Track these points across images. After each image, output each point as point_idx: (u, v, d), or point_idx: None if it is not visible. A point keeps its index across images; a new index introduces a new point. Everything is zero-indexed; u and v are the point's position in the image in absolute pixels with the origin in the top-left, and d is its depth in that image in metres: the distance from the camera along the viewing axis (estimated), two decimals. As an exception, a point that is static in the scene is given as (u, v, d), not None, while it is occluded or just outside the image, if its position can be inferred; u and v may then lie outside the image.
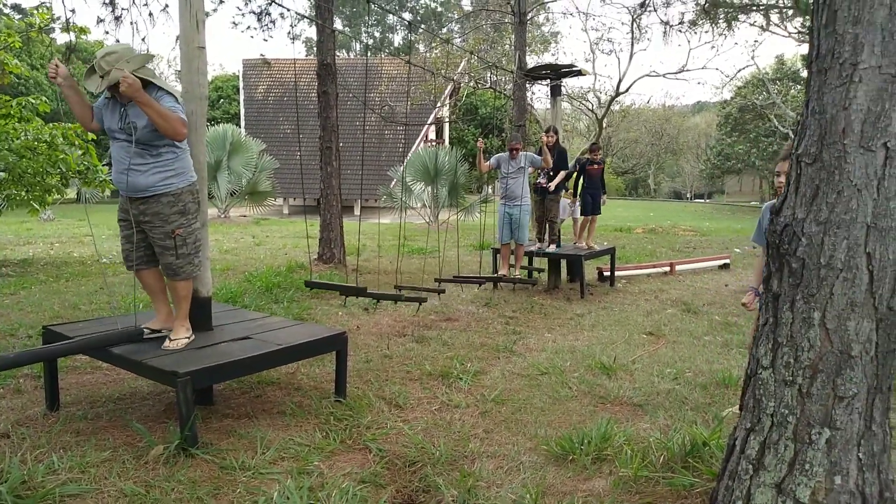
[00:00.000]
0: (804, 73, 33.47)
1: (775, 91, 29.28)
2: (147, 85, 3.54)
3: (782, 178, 3.75)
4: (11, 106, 10.42)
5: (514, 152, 8.02)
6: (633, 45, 17.80)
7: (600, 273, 9.71)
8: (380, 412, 3.96)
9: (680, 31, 14.71)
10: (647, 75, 20.35)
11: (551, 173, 8.47)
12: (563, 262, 9.10)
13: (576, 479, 2.98)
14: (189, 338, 3.76)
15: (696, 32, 16.13)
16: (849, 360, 1.95)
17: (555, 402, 4.23)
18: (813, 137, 1.99)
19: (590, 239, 9.32)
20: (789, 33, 19.45)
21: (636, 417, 3.90)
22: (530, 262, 8.94)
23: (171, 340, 3.68)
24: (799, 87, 32.95)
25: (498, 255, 8.67)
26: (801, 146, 2.04)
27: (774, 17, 17.77)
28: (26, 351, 3.60)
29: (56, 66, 3.51)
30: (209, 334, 3.93)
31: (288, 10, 9.71)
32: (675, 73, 18.54)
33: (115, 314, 6.27)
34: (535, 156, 8.19)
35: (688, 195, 58.62)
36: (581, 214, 9.33)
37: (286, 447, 3.38)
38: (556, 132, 8.49)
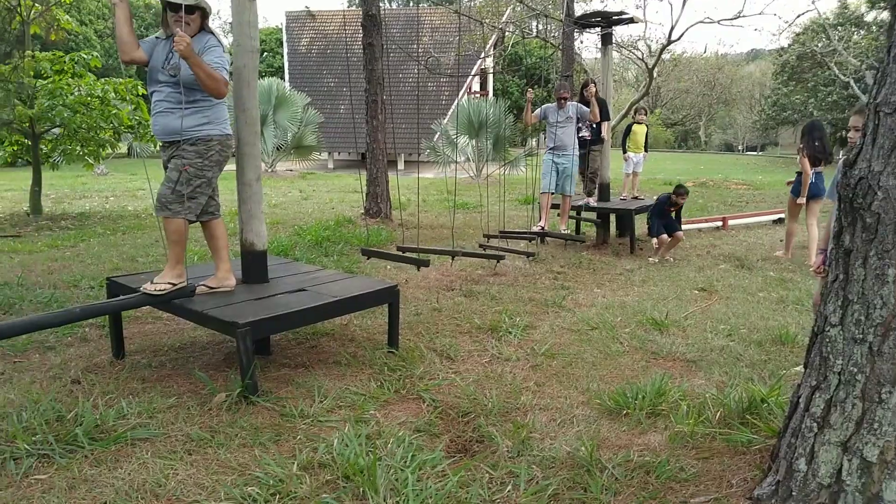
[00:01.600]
0: (868, 17, 31.79)
1: (836, 37, 27.89)
2: (202, 30, 3.66)
3: (852, 134, 3.60)
4: (65, 62, 10.62)
5: (563, 101, 7.83)
6: (686, -10, 17.07)
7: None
8: (431, 363, 4.02)
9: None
10: (701, 22, 19.59)
11: (593, 125, 8.28)
12: (613, 217, 8.98)
13: (630, 434, 2.99)
14: (174, 284, 3.68)
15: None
16: (924, 319, 1.89)
17: (606, 356, 4.22)
18: (894, 86, 1.90)
19: (634, 189, 9.22)
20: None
21: (690, 373, 3.88)
22: (578, 215, 8.80)
23: (152, 282, 3.67)
24: (863, 32, 31.32)
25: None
26: (880, 94, 1.94)
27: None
28: (94, 304, 3.74)
29: None
30: (266, 286, 4.02)
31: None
32: (731, 19, 17.78)
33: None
34: (584, 107, 8.01)
35: (739, 147, 56.91)
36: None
37: (342, 396, 3.47)
38: (593, 82, 8.28)
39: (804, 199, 7.45)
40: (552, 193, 8.10)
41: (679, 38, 19.15)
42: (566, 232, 7.98)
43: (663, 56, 19.80)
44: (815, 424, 2.09)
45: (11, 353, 4.11)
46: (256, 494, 2.48)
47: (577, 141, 8.02)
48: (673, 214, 7.73)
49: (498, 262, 6.40)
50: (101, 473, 2.65)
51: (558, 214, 8.31)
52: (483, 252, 5.85)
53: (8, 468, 2.67)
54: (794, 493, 2.12)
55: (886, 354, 1.94)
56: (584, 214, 8.62)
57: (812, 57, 32.00)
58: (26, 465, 2.68)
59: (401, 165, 23.28)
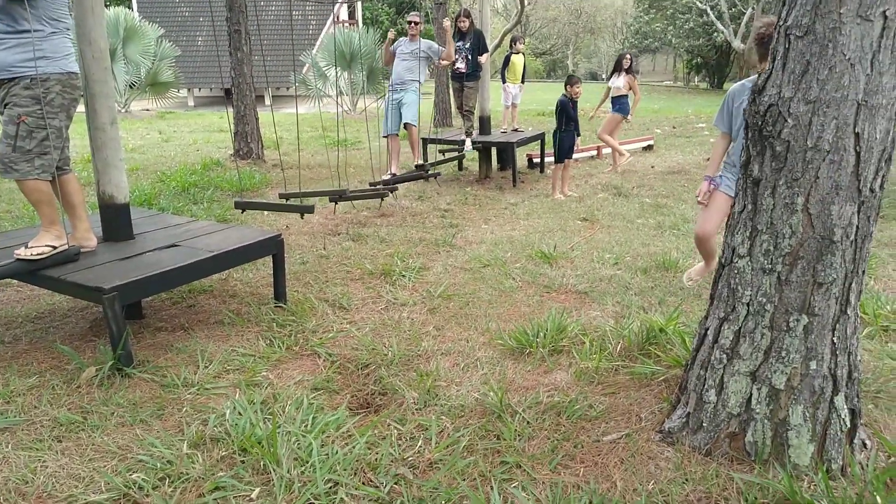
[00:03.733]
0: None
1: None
2: None
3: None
4: None
5: (412, 26, 7.20)
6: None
7: (530, 160, 9.63)
8: (324, 315, 3.82)
9: None
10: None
11: (469, 56, 7.97)
12: (494, 151, 8.93)
13: (536, 373, 2.95)
14: (53, 247, 3.25)
15: None
16: (830, 246, 1.90)
17: (501, 293, 4.18)
18: (806, 7, 1.84)
19: (514, 122, 9.19)
20: None
21: (584, 306, 3.91)
22: (461, 152, 8.60)
23: (27, 246, 3.22)
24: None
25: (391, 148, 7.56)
26: (790, 17, 1.89)
27: None
28: None
29: None
30: (131, 244, 3.60)
31: None
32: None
33: (17, 226, 5.76)
34: (436, 45, 7.52)
35: (603, 76, 58.75)
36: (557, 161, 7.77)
37: (229, 359, 3.21)
38: (467, 15, 7.94)
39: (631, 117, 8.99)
40: (395, 134, 7.48)
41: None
42: (420, 163, 7.34)
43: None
44: (724, 356, 2.10)
45: None
46: (143, 481, 2.22)
47: (420, 77, 7.36)
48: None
49: (382, 199, 6.15)
50: (-50, 475, 2.28)
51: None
52: (372, 190, 5.59)
53: None
54: (704, 424, 2.14)
55: (794, 283, 1.95)
56: (468, 149, 8.39)
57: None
58: None
59: (268, 101, 22.12)
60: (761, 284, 2.00)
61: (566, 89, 7.36)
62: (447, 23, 7.71)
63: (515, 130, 9.14)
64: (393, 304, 4.04)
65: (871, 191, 1.88)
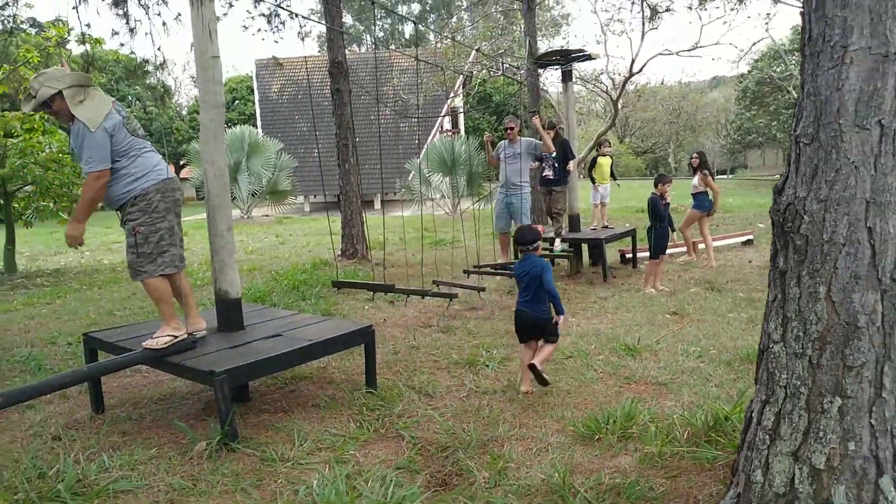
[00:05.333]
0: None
1: (792, 63, 28.82)
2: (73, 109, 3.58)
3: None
4: (35, 120, 10.71)
5: (510, 132, 7.74)
6: (644, 24, 17.68)
7: (622, 255, 9.76)
8: (410, 401, 4.09)
9: (690, 7, 14.57)
10: (661, 54, 20.14)
11: (556, 164, 8.41)
12: (585, 248, 9.16)
13: (602, 458, 3.08)
14: (174, 337, 3.73)
15: (705, 9, 15.99)
16: (856, 331, 2.03)
17: (580, 384, 4.33)
18: (809, 118, 2.07)
19: (604, 219, 9.45)
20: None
21: (661, 396, 3.99)
22: (552, 252, 8.92)
23: (152, 338, 3.71)
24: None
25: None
26: (798, 127, 2.12)
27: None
28: (99, 363, 3.77)
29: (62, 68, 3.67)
30: (242, 334, 4.08)
31: (295, 14, 9.85)
32: (688, 50, 18.34)
33: (149, 318, 6.48)
34: (535, 140, 8.01)
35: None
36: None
37: (322, 438, 3.53)
38: (552, 126, 8.42)
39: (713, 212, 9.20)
40: (506, 232, 8.05)
41: (640, 71, 19.75)
42: None
43: (628, 88, 20.32)
44: (767, 437, 2.21)
45: (-11, 415, 4.12)
46: (239, 539, 2.53)
47: (527, 177, 7.93)
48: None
49: (451, 300, 6.38)
50: (83, 528, 2.68)
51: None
52: (443, 291, 5.95)
53: (-10, 529, 2.69)
54: (753, 503, 2.22)
55: (825, 366, 2.07)
56: (557, 248, 8.72)
57: (771, 82, 32.96)
58: (8, 525, 2.71)
59: (377, 205, 23.47)
60: (795, 368, 2.13)
61: (656, 188, 7.60)
62: (537, 120, 8.25)
63: (605, 227, 9.36)
64: (475, 391, 4.27)
65: (893, 280, 2.01)
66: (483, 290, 6.30)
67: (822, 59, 2.04)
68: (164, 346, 3.67)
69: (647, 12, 17.53)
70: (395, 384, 4.38)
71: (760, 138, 37.35)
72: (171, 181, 3.86)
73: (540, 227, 6.81)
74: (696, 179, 9.04)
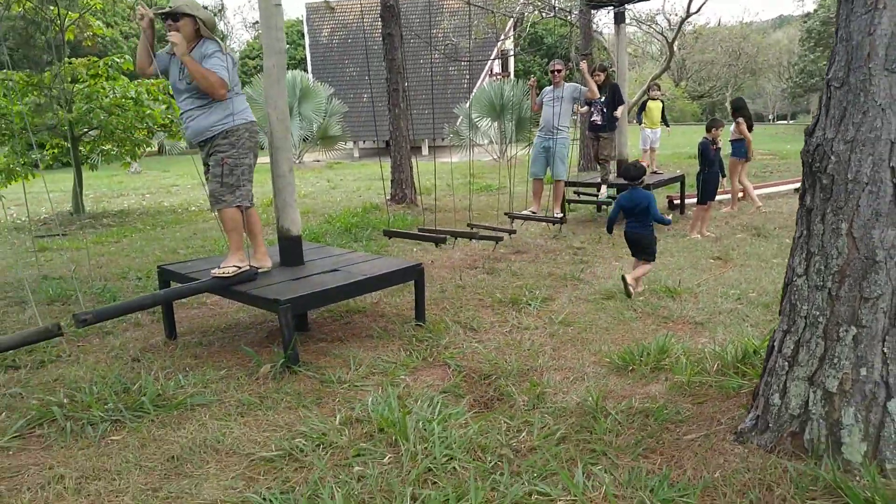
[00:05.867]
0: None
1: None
2: (202, 39, 4.01)
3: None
4: (99, 66, 11.11)
5: (555, 75, 7.60)
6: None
7: (670, 201, 9.75)
8: (456, 334, 4.35)
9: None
10: (720, -7, 19.41)
11: (604, 109, 8.34)
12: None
13: (635, 385, 3.29)
14: (239, 267, 4.04)
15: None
16: (874, 265, 2.15)
17: (619, 322, 4.51)
18: (841, 63, 2.15)
19: (653, 164, 9.42)
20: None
21: (696, 334, 4.16)
22: (598, 198, 8.94)
23: (220, 267, 4.03)
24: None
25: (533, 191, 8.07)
26: (830, 71, 2.21)
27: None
28: (173, 289, 4.13)
29: (143, 8, 4.01)
30: (302, 268, 4.38)
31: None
32: (750, -12, 17.64)
33: (210, 255, 6.88)
34: (579, 86, 7.80)
35: (769, 117, 55.97)
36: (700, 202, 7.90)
37: (375, 364, 3.83)
38: (602, 70, 8.29)
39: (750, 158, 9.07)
40: (541, 178, 7.96)
41: (698, 11, 19.08)
42: (559, 216, 7.68)
43: (684, 29, 19.72)
44: (786, 363, 2.37)
45: (74, 339, 4.54)
46: (303, 445, 2.84)
47: (567, 122, 7.79)
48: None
49: (497, 242, 6.51)
50: (167, 433, 3.04)
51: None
52: (473, 233, 6.10)
53: (87, 432, 3.07)
54: (770, 425, 2.41)
55: (843, 298, 2.21)
56: (603, 195, 8.76)
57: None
58: (102, 429, 3.08)
59: (425, 151, 23.58)
60: (815, 300, 2.27)
61: (708, 132, 7.57)
62: (584, 64, 8.17)
63: (654, 173, 9.35)
64: (517, 327, 4.50)
65: (915, 216, 2.12)
66: (514, 232, 6.43)
67: (856, 5, 2.11)
68: (231, 275, 3.98)
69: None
70: (442, 319, 4.64)
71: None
72: (255, 124, 4.21)
73: (644, 162, 6.83)
74: (732, 126, 8.93)
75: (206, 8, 4.09)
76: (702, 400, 2.99)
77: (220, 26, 44.79)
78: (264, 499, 2.46)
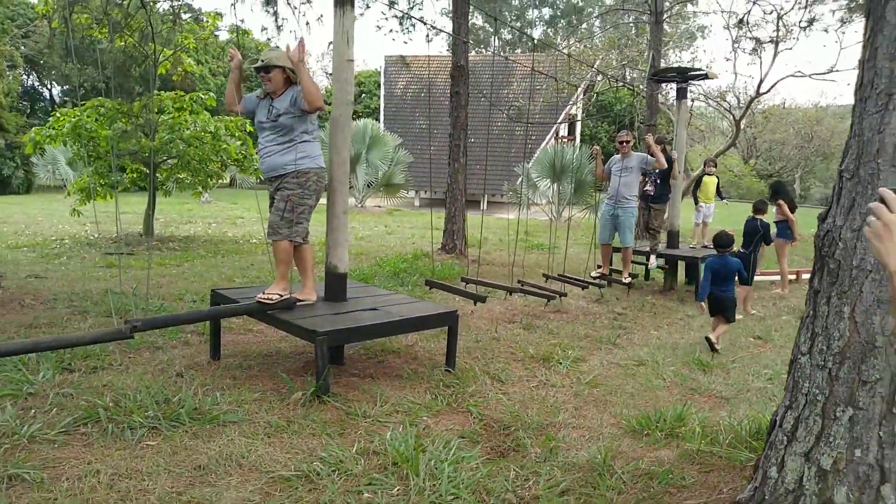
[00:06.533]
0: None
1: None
2: (293, 84, 4.41)
3: None
4: (185, 100, 11.89)
5: (623, 145, 7.85)
6: (777, 44, 17.11)
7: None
8: (483, 384, 4.48)
9: (826, 30, 14.01)
10: (792, 75, 19.41)
11: (658, 180, 8.47)
12: (682, 265, 9.19)
13: (646, 449, 3.35)
14: (281, 296, 4.32)
15: (844, 32, 15.32)
16: (873, 350, 2.22)
17: (646, 389, 4.56)
18: (852, 156, 2.28)
19: (704, 238, 9.42)
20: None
21: (718, 407, 4.17)
22: (647, 266, 8.99)
23: (264, 293, 4.31)
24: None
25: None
26: (843, 163, 2.33)
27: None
28: (220, 307, 4.44)
29: (234, 50, 4.49)
30: (344, 304, 4.61)
31: (424, 22, 10.44)
32: (822, 73, 17.60)
33: (263, 284, 7.21)
34: (648, 156, 8.00)
35: (839, 202, 54.37)
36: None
37: (400, 403, 3.98)
38: (660, 142, 8.42)
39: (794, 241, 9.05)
40: (608, 244, 8.25)
41: (768, 91, 19.08)
42: (627, 281, 8.07)
43: (754, 108, 19.71)
44: (785, 438, 2.43)
45: (127, 350, 4.85)
46: (320, 469, 3.01)
47: (635, 192, 8.04)
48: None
49: (548, 300, 6.71)
50: (198, 444, 3.26)
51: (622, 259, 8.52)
52: (528, 290, 6.28)
53: (126, 435, 3.32)
54: (766, 497, 2.45)
55: (842, 379, 2.28)
56: (652, 265, 8.84)
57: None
58: (140, 434, 3.32)
59: (484, 205, 23.93)
60: (816, 378, 2.34)
61: (755, 213, 7.64)
62: (650, 137, 8.34)
63: (705, 247, 9.34)
64: (544, 384, 4.60)
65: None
66: (565, 295, 6.57)
67: (869, 105, 2.25)
68: (273, 301, 4.25)
69: (782, 31, 16.99)
70: (472, 368, 4.78)
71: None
72: (325, 170, 4.55)
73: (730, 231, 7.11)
74: (774, 209, 8.97)
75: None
76: (708, 469, 3.03)
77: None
78: (276, 512, 2.63)
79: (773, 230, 8.53)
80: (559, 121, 24.26)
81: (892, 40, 2.15)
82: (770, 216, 8.33)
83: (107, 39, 10.82)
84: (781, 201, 8.98)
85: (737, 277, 6.20)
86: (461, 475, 2.97)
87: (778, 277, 9.63)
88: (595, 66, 19.53)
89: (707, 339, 5.75)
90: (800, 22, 15.10)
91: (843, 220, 2.30)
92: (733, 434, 3.39)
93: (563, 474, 3.05)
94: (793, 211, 8.94)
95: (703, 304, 6.52)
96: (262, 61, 4.38)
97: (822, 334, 2.34)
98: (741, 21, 14.99)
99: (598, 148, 8.29)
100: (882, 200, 1.21)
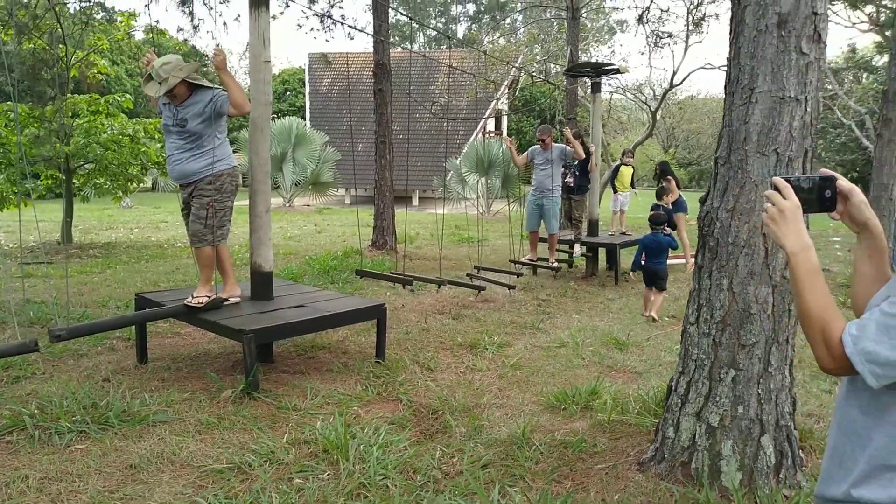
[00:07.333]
0: (879, 60, 32.31)
1: (839, 82, 28.44)
2: (197, 87, 4.35)
3: None
4: (100, 103, 11.56)
5: (543, 143, 8.34)
6: (687, 38, 17.87)
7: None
8: (413, 373, 4.63)
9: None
10: (702, 68, 20.31)
11: (577, 172, 8.85)
12: (602, 253, 9.58)
13: (562, 422, 3.58)
14: (209, 297, 4.37)
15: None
16: (749, 317, 2.49)
17: (566, 369, 4.81)
18: (724, 145, 2.54)
19: (622, 226, 9.84)
20: (853, 23, 19.11)
21: (631, 381, 4.46)
22: (570, 255, 9.37)
23: (192, 297, 4.35)
24: (873, 76, 31.80)
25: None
26: (718, 151, 2.59)
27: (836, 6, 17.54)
28: (146, 311, 4.42)
29: (150, 57, 4.40)
30: (270, 302, 4.67)
31: (343, 23, 10.49)
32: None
33: (188, 288, 7.16)
34: (567, 147, 8.43)
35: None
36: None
37: (331, 395, 4.09)
38: (577, 136, 8.84)
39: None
40: (536, 231, 8.75)
41: (681, 83, 19.88)
42: (555, 265, 8.53)
43: (669, 99, 20.50)
44: (679, 401, 2.68)
45: (50, 358, 4.78)
46: (251, 460, 3.10)
47: (559, 182, 8.51)
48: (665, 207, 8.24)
49: (479, 291, 6.95)
50: (128, 445, 3.29)
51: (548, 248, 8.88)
52: (464, 282, 6.50)
53: (53, 440, 3.32)
54: (665, 456, 2.70)
55: (724, 344, 2.54)
56: (577, 254, 9.21)
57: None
58: (68, 438, 3.33)
59: (415, 201, 24.08)
60: (703, 345, 2.60)
61: (659, 199, 8.15)
62: (567, 130, 8.73)
63: (623, 234, 9.77)
64: (471, 369, 4.79)
65: (783, 277, 2.47)
66: (483, 289, 6.80)
67: (736, 98, 2.51)
68: (200, 304, 4.28)
69: (691, 25, 17.74)
70: (402, 358, 4.92)
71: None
72: (237, 168, 4.59)
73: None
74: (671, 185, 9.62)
75: (186, 60, 4.47)
76: (618, 436, 3.28)
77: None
78: (209, 503, 2.71)
79: None
80: (486, 116, 24.63)
81: (751, 40, 2.41)
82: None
83: (13, 41, 10.43)
84: (670, 177, 9.61)
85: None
86: (390, 457, 3.12)
87: (684, 261, 10.15)
88: (517, 62, 19.94)
89: (649, 317, 6.54)
90: (700, 17, 15.82)
91: (719, 202, 2.56)
92: (641, 403, 3.65)
93: (486, 450, 3.24)
94: (678, 188, 9.59)
95: (633, 273, 7.53)
96: (160, 83, 4.21)
97: (706, 305, 2.60)
98: (640, 18, 15.65)
99: (508, 139, 8.67)
100: (775, 188, 1.31)
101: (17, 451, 3.20)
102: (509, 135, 28.82)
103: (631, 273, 7.09)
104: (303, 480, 2.91)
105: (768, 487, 2.50)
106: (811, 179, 1.34)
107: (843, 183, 1.34)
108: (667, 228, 7.37)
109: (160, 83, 4.22)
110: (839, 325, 1.21)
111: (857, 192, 1.34)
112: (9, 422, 3.46)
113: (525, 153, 8.71)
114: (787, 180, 1.32)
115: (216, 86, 4.46)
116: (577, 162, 8.67)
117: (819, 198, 1.34)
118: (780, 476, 2.55)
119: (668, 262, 8.88)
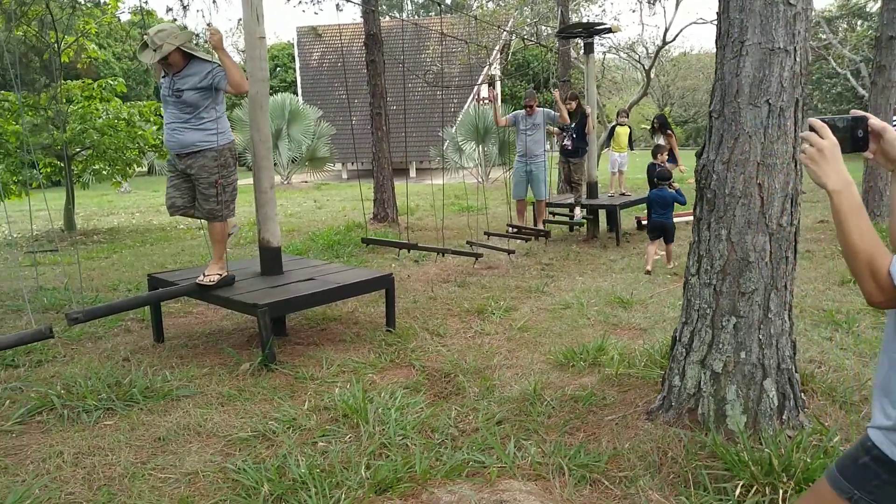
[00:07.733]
0: (872, 8, 31.98)
1: (833, 31, 28.19)
2: (191, 58, 4.35)
3: None
4: (94, 88, 11.55)
5: (529, 109, 8.35)
6: (679, -7, 17.70)
7: (639, 222, 10.20)
8: (423, 339, 4.75)
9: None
10: (694, 23, 20.15)
11: (574, 135, 8.85)
12: (602, 214, 9.65)
13: (571, 378, 3.70)
14: (221, 275, 4.44)
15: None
16: (748, 265, 2.59)
17: (572, 329, 4.93)
18: (717, 98, 2.61)
19: (621, 187, 9.89)
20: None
21: (637, 337, 4.57)
22: (571, 218, 9.43)
23: (204, 275, 4.42)
24: (868, 24, 31.50)
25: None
26: (711, 104, 2.66)
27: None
28: (160, 290, 4.52)
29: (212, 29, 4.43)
30: (280, 276, 4.78)
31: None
32: (724, 19, 18.25)
33: (198, 267, 7.27)
34: (552, 111, 8.51)
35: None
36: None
37: (346, 364, 4.22)
38: (574, 98, 8.83)
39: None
40: (523, 199, 8.74)
41: (674, 40, 19.79)
42: (543, 229, 8.34)
43: (662, 57, 20.38)
44: (683, 350, 2.79)
45: (69, 342, 4.90)
46: (275, 428, 3.23)
47: (545, 146, 8.53)
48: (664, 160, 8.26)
49: (477, 259, 6.99)
50: (154, 419, 3.42)
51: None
52: (465, 250, 6.57)
53: (82, 418, 3.44)
54: (672, 404, 2.82)
55: (725, 293, 2.64)
56: (577, 216, 9.25)
57: (813, 50, 32.28)
58: (96, 416, 3.46)
59: (413, 173, 24.06)
60: (705, 295, 2.70)
61: (655, 157, 8.20)
62: (557, 92, 8.74)
63: (622, 195, 9.83)
64: (480, 333, 4.91)
65: (780, 225, 2.56)
66: (481, 255, 6.87)
67: (727, 52, 2.57)
68: (212, 282, 4.38)
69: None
70: (412, 326, 5.04)
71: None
72: (234, 142, 4.62)
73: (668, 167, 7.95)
74: (661, 140, 9.63)
75: (182, 28, 4.47)
76: (627, 388, 3.40)
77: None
78: (239, 469, 2.84)
79: None
80: (479, 82, 24.48)
81: (741, -7, 2.47)
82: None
83: (2, 29, 10.37)
84: (670, 131, 9.73)
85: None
86: (407, 418, 3.24)
87: (685, 218, 10.23)
88: (507, 26, 19.77)
89: (671, 269, 7.03)
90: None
91: (714, 155, 2.64)
92: (647, 357, 3.77)
93: (499, 407, 3.37)
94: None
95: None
96: (154, 49, 4.21)
97: (706, 256, 2.69)
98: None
99: (486, 98, 8.66)
100: (811, 129, 1.30)
101: (48, 430, 3.32)
102: (503, 101, 28.66)
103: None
104: (326, 444, 3.03)
105: (772, 429, 2.62)
106: (844, 119, 1.34)
107: (875, 122, 1.34)
108: (674, 184, 7.46)
109: (155, 50, 4.22)
110: (886, 258, 1.21)
111: (889, 130, 1.33)
112: (38, 402, 3.58)
113: (508, 115, 8.73)
114: (822, 121, 1.32)
115: (214, 60, 4.47)
116: (574, 125, 8.69)
117: (852, 137, 1.33)
118: (784, 417, 2.67)
119: (676, 219, 8.98)
